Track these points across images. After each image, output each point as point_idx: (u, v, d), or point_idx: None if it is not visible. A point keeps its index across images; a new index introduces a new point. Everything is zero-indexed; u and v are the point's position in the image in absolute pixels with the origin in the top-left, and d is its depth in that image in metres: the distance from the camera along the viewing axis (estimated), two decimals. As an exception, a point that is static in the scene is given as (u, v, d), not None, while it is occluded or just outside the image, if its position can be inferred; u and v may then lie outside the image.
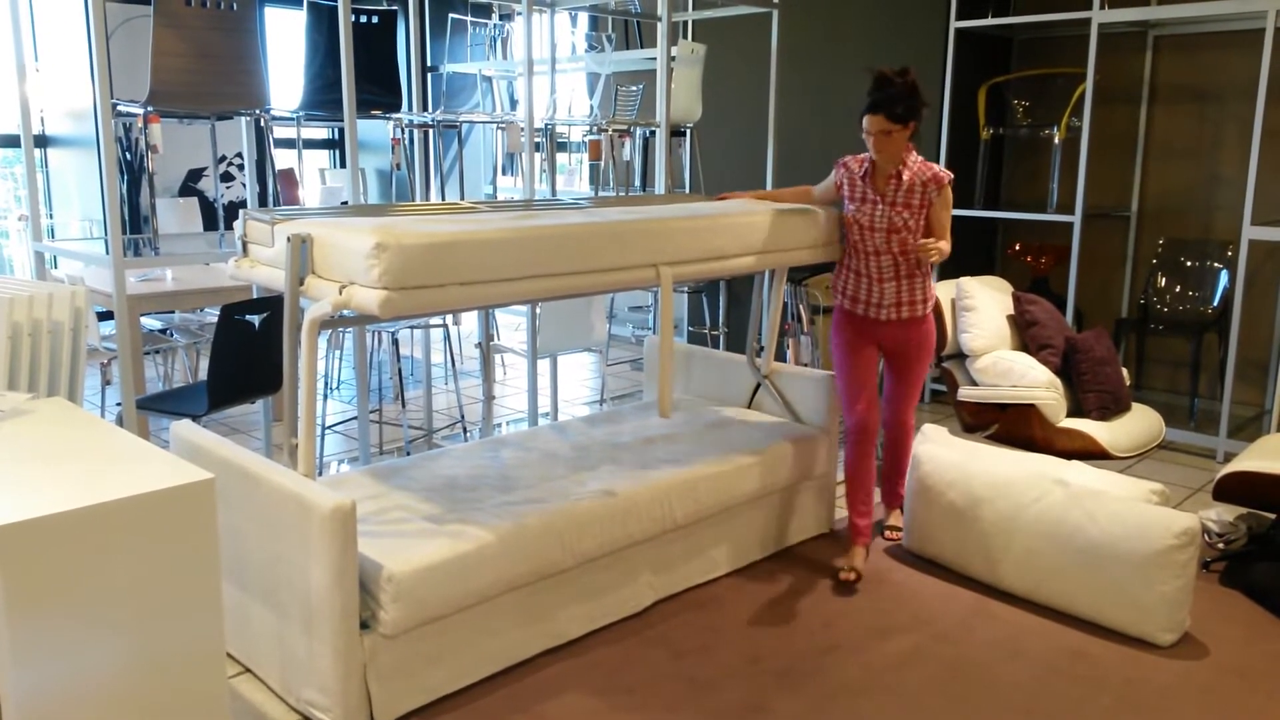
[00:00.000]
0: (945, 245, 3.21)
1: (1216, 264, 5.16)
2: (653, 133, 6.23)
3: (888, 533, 3.67)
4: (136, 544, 1.90)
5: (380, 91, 4.67)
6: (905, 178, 3.21)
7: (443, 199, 6.36)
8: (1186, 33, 5.19)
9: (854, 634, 2.97)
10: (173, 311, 5.30)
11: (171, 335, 5.25)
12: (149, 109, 3.75)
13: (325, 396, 5.46)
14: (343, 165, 8.39)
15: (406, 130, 5.11)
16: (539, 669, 2.75)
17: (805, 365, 4.59)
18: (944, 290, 4.09)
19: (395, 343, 5.37)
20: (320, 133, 8.38)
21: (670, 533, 3.12)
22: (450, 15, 7.75)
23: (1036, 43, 5.71)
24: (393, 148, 5.01)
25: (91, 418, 2.37)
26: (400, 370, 5.66)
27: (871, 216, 3.26)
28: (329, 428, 4.99)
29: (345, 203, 7.36)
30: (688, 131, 6.15)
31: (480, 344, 4.85)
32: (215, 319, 3.35)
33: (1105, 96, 5.43)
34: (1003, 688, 2.69)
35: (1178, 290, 5.24)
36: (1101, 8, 4.80)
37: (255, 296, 3.61)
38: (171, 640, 1.97)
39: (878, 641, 2.92)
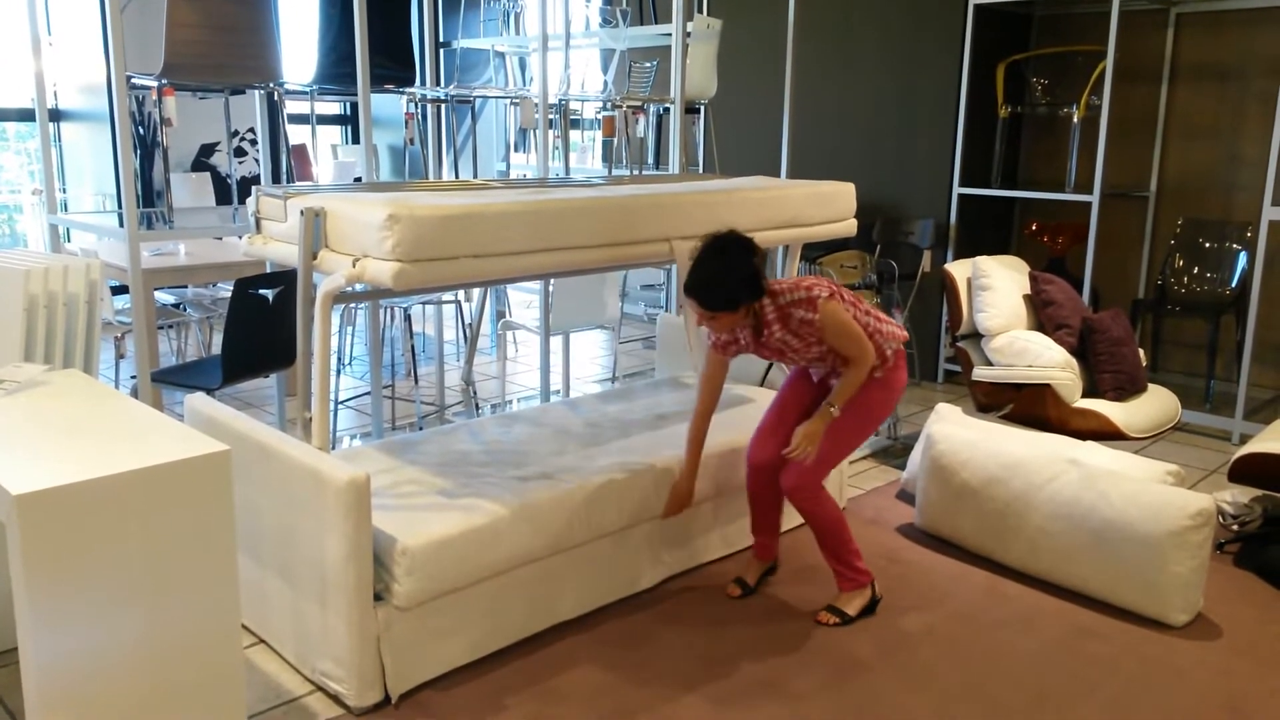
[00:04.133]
0: (811, 438, 2.71)
1: (1235, 245, 5.10)
2: (667, 109, 6.19)
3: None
4: (153, 514, 1.91)
5: (394, 65, 4.65)
6: (778, 332, 2.74)
7: (456, 175, 6.34)
8: (1209, 10, 5.12)
9: (866, 612, 2.97)
10: (186, 286, 5.31)
11: (185, 310, 5.26)
12: (163, 81, 3.74)
13: (338, 372, 5.48)
14: (355, 141, 8.38)
15: (420, 105, 5.10)
16: (552, 643, 2.76)
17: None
18: (960, 269, 4.07)
19: (408, 319, 5.38)
20: (332, 108, 8.37)
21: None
22: (463, -10, 7.71)
23: (1056, 19, 5.64)
24: (406, 122, 4.99)
25: (108, 389, 2.37)
26: (413, 346, 5.67)
27: (791, 360, 2.86)
28: (342, 403, 5.00)
29: (359, 179, 7.35)
30: (702, 108, 6.11)
31: (471, 324, 4.86)
32: (228, 293, 3.35)
33: (1125, 75, 5.37)
34: (1015, 667, 2.69)
35: (1196, 271, 5.19)
36: (1123, -16, 4.74)
37: (269, 270, 3.61)
38: (188, 611, 1.99)
39: (890, 619, 2.92)
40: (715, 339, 2.82)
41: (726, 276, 2.58)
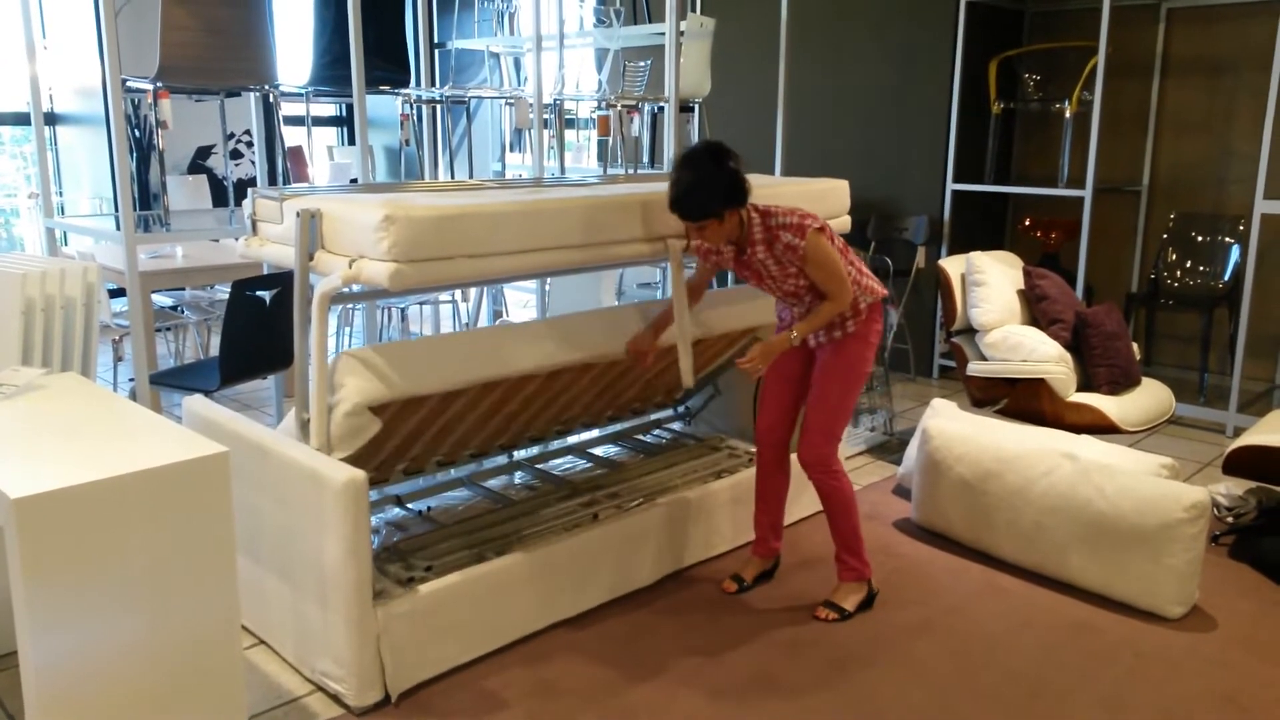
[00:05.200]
0: (765, 354, 2.71)
1: (1228, 239, 5.12)
2: (661, 108, 6.20)
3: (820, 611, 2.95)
4: (152, 516, 1.91)
5: (389, 67, 4.66)
6: (761, 254, 2.76)
7: (451, 175, 6.35)
8: (1200, 4, 5.13)
9: (863, 607, 2.98)
10: (183, 288, 5.32)
11: (182, 312, 5.27)
12: (158, 84, 3.75)
13: (335, 373, 5.48)
14: (351, 142, 8.38)
15: (415, 106, 5.10)
16: (550, 640, 2.77)
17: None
18: (954, 265, 4.08)
19: (405, 319, 5.39)
20: (328, 109, 8.37)
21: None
22: (457, -10, 7.71)
23: (1048, 16, 5.65)
24: (401, 123, 5.00)
25: (106, 392, 2.38)
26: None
27: (766, 287, 2.86)
28: (339, 404, 5.01)
29: (354, 180, 7.36)
30: (696, 106, 6.12)
31: (468, 324, 4.87)
32: (226, 295, 3.36)
33: (1117, 70, 5.38)
34: (1011, 660, 2.71)
35: (1189, 265, 5.21)
36: (1114, -21, 4.76)
37: (266, 272, 3.62)
38: (187, 612, 2.00)
39: (887, 613, 2.94)
40: (699, 245, 2.84)
41: (700, 184, 2.60)
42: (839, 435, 2.86)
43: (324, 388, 2.53)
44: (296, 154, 7.07)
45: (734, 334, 3.37)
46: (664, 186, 3.10)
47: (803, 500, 3.61)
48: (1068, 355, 3.77)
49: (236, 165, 7.38)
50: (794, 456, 3.00)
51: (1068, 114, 5.35)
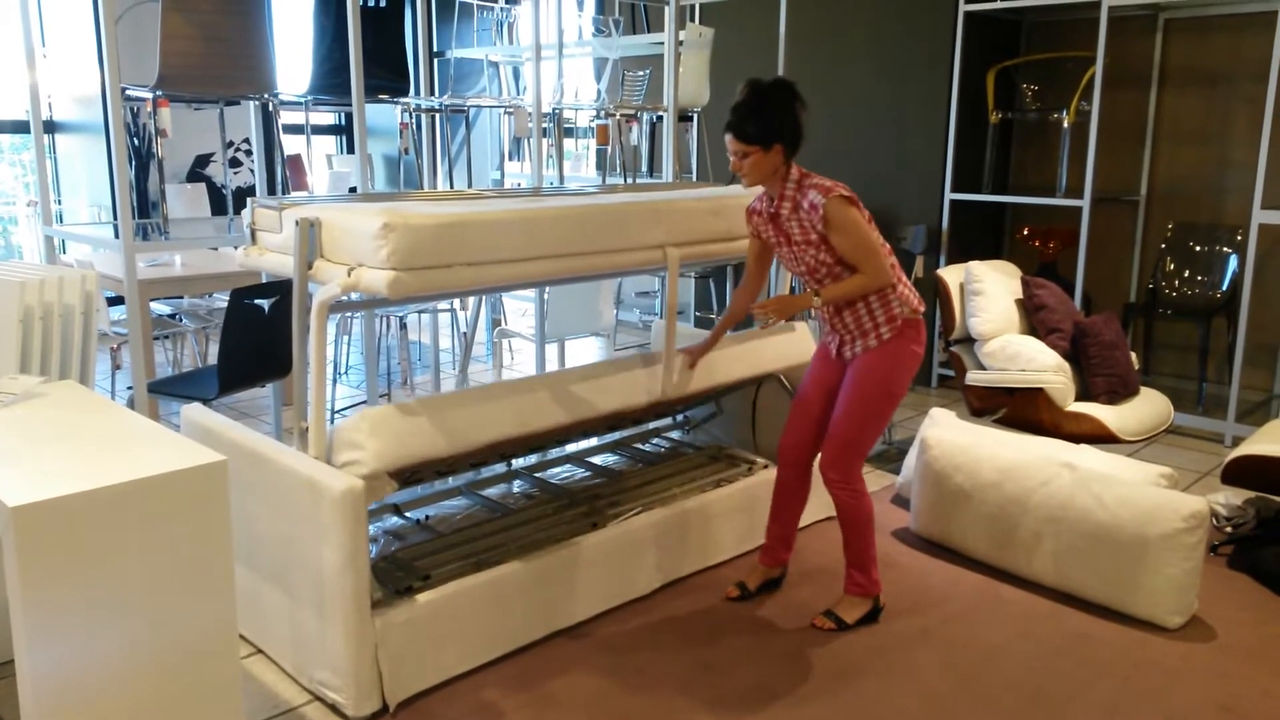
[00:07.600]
0: (781, 305, 2.62)
1: (1226, 248, 5.13)
2: (660, 117, 6.22)
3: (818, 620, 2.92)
4: (150, 525, 1.91)
5: (388, 76, 4.67)
6: (786, 212, 2.71)
7: (450, 184, 6.36)
8: (1198, 15, 5.15)
9: (861, 616, 2.98)
10: (182, 297, 5.32)
11: (181, 320, 5.27)
12: (158, 93, 3.75)
13: (334, 381, 5.48)
14: (350, 151, 8.39)
15: (414, 114, 5.12)
16: (548, 650, 2.77)
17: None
18: (953, 274, 4.09)
19: (403, 327, 5.39)
20: (327, 118, 8.38)
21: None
22: (457, 0, 7.73)
23: (1046, 26, 5.67)
24: (400, 132, 5.01)
25: (104, 400, 2.38)
26: (408, 355, 5.68)
27: (790, 260, 2.79)
28: (338, 412, 5.01)
29: (353, 189, 7.36)
30: (695, 116, 6.14)
31: (467, 332, 4.87)
32: (224, 304, 3.36)
33: (1115, 80, 5.40)
34: (1010, 670, 2.70)
35: (1186, 275, 5.22)
36: (1112, -10, 4.77)
37: (265, 280, 3.62)
38: (185, 621, 1.99)
39: (885, 623, 2.93)
40: (750, 211, 2.85)
41: (765, 110, 2.62)
42: (864, 452, 2.79)
43: (322, 395, 2.53)
44: (295, 162, 7.08)
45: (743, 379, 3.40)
46: (662, 195, 3.11)
47: (810, 505, 3.59)
48: (1066, 365, 3.78)
49: (235, 174, 7.39)
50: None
51: (1066, 124, 5.37)
